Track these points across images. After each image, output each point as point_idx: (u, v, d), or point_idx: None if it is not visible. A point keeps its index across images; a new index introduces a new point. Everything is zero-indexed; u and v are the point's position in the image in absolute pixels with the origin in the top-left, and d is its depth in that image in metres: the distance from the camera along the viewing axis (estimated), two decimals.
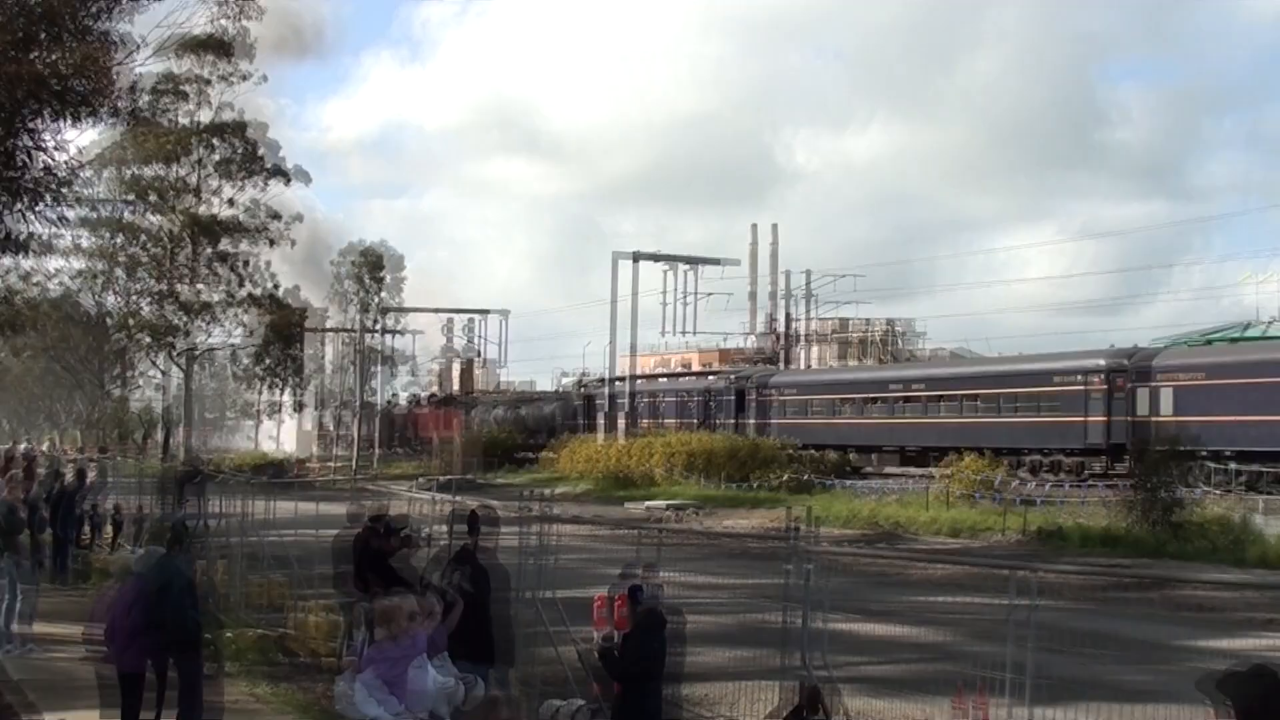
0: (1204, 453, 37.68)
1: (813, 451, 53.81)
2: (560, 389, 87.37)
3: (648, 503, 44.16)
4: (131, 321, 69.62)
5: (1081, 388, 45.97)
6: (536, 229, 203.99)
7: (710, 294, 67.81)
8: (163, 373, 72.49)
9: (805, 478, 48.15)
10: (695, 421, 64.78)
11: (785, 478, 47.73)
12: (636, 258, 63.96)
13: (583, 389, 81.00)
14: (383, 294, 78.58)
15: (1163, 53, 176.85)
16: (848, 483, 47.00)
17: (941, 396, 53.26)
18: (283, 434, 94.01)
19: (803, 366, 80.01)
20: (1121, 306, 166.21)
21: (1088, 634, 14.57)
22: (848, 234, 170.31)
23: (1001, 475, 40.33)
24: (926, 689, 13.09)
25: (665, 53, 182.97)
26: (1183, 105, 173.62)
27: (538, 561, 13.09)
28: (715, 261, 67.67)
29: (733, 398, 65.03)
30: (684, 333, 68.30)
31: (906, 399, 54.97)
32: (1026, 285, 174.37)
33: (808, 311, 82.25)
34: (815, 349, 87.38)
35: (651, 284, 66.12)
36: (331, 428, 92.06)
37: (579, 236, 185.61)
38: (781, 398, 62.58)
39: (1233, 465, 38.28)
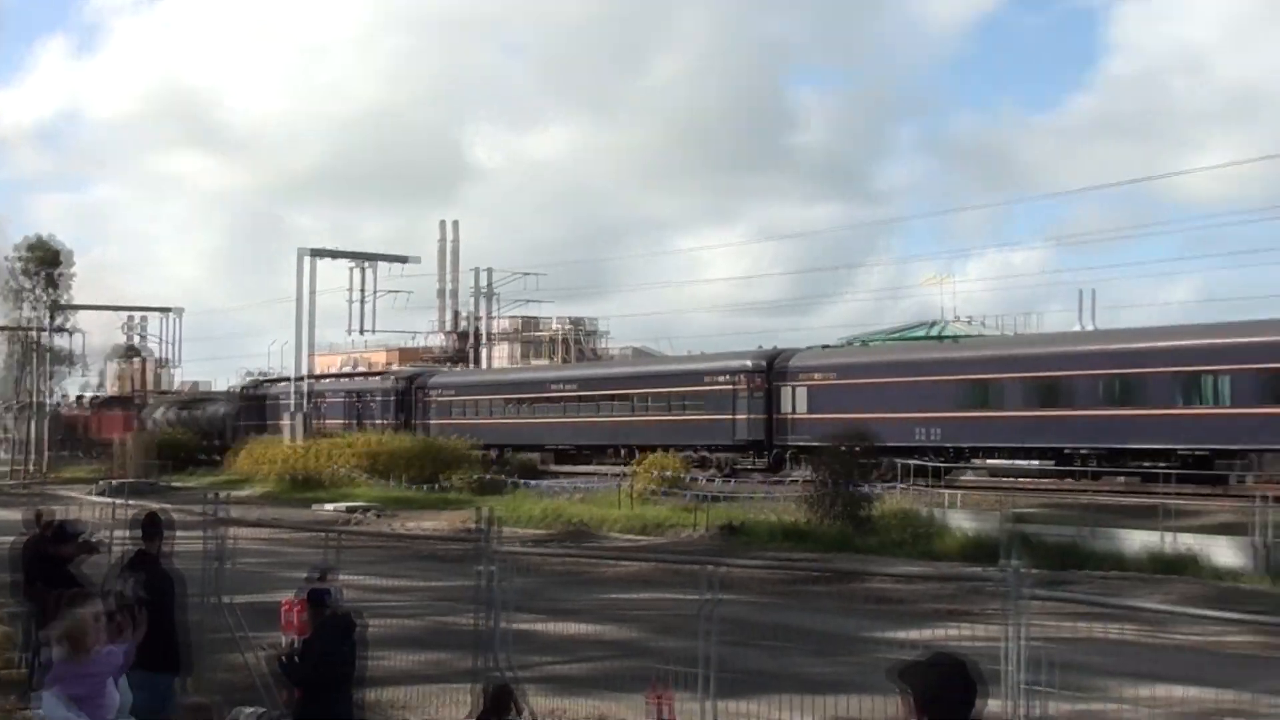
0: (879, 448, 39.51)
1: (493, 452, 54.38)
2: (232, 389, 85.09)
3: (329, 505, 43.33)
4: None
5: (730, 387, 48.81)
6: (216, 225, 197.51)
7: (395, 291, 67.98)
8: None
9: (491, 477, 48.18)
10: (354, 422, 64.89)
11: (473, 478, 47.69)
12: (315, 254, 63.14)
13: (255, 389, 79.34)
14: (55, 290, 74.17)
15: (846, 60, 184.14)
16: (536, 482, 47.20)
17: (594, 396, 55.45)
18: None
19: (485, 365, 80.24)
20: (806, 306, 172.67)
21: (775, 627, 14.97)
22: (534, 232, 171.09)
23: (682, 472, 41.48)
24: (615, 685, 13.14)
25: (347, 45, 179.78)
26: (865, 111, 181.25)
27: (219, 566, 12.62)
28: (399, 259, 67.30)
29: (394, 398, 65.83)
30: (368, 331, 67.70)
31: (558, 399, 57.02)
32: (712, 285, 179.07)
33: (489, 310, 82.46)
34: (502, 347, 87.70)
35: (339, 281, 65.35)
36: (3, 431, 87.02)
37: (261, 233, 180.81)
38: (440, 398, 63.76)
39: (900, 461, 40.30)
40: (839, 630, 17.97)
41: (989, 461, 43.03)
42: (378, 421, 63.89)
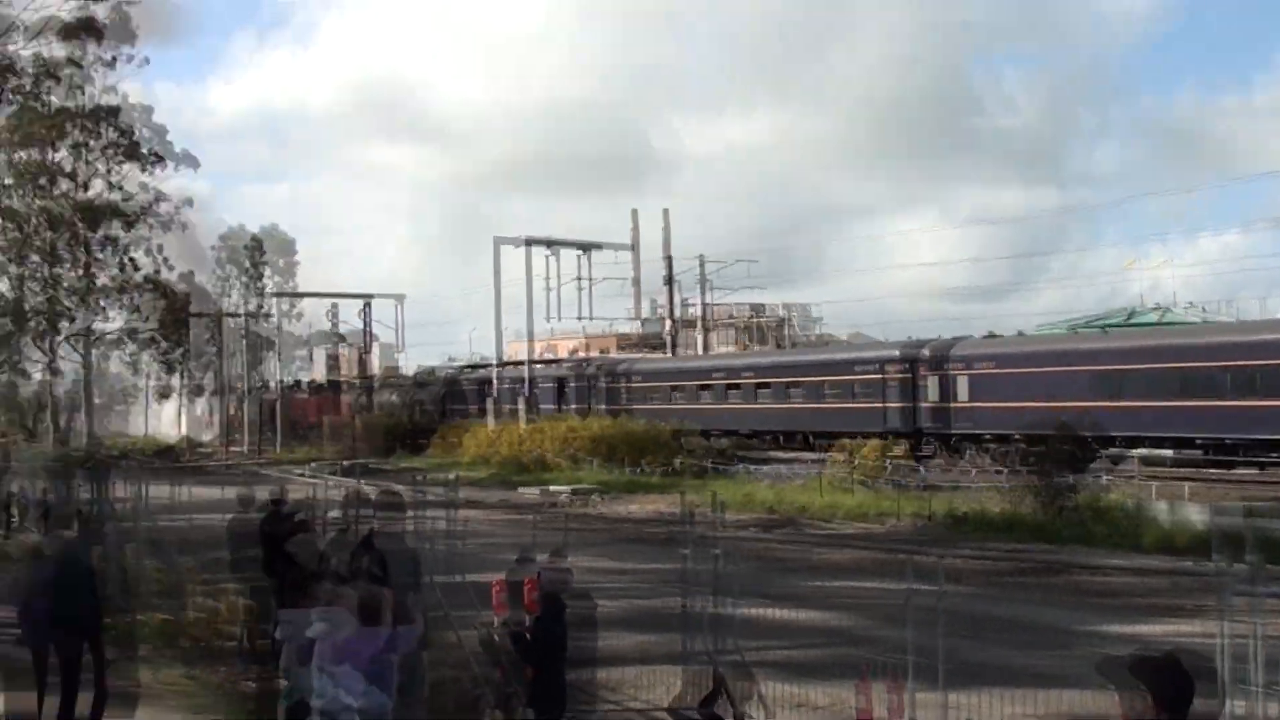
0: (1092, 438, 38.71)
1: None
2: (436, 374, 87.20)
3: (553, 487, 44.12)
4: (27, 306, 67.90)
5: (879, 376, 50.09)
6: (423, 214, 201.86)
7: (600, 279, 68.12)
8: (52, 357, 70.45)
9: (702, 463, 48.39)
10: (557, 407, 65.92)
11: (681, 463, 47.97)
12: (529, 243, 64.25)
13: (458, 374, 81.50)
14: (276, 278, 77.77)
15: (1041, 41, 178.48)
16: (744, 468, 47.35)
17: (756, 384, 57.04)
18: (177, 419, 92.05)
19: (697, 352, 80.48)
20: (1007, 292, 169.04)
21: (991, 619, 14.84)
22: (732, 220, 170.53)
23: (879, 459, 41.29)
24: (826, 673, 13.22)
25: (545, 37, 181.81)
26: (1061, 93, 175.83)
27: (447, 546, 13.05)
28: (599, 246, 67.95)
29: (584, 384, 66.95)
30: (569, 318, 68.80)
31: (728, 386, 58.55)
32: (914, 270, 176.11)
33: (702, 297, 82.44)
34: (713, 334, 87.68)
35: (539, 269, 66.41)
36: (230, 412, 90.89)
37: (464, 221, 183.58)
38: (625, 385, 64.72)
39: (1133, 452, 39.62)
40: (1048, 622, 17.70)
41: (1136, 451, 41.75)
42: (571, 407, 65.06)
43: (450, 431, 63.63)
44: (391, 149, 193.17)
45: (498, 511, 24.66)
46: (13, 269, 69.05)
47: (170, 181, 69.51)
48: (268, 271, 77.95)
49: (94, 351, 75.69)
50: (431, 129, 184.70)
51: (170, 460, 50.72)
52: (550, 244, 66.05)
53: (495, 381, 65.63)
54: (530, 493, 43.01)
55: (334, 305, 79.08)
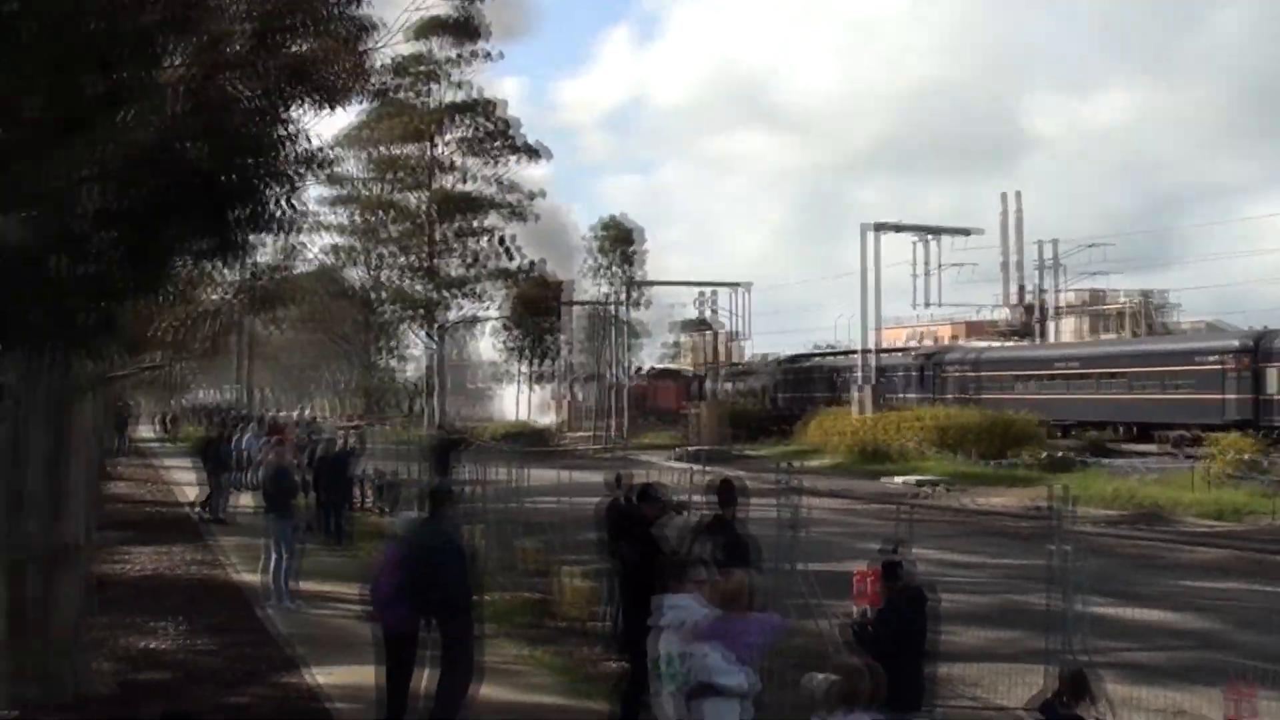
0: None
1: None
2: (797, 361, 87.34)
3: (898, 478, 43.81)
4: (402, 297, 72.05)
5: (1218, 367, 49.19)
6: (776, 201, 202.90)
7: (958, 265, 66.70)
8: (431, 343, 74.55)
9: (1063, 455, 47.03)
10: (897, 395, 65.69)
11: (1043, 455, 46.78)
12: (878, 228, 63.32)
13: (793, 362, 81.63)
14: (630, 267, 79.61)
15: None
16: (1108, 461, 45.94)
17: (1091, 374, 56.68)
18: (526, 403, 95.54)
19: (1051, 340, 78.09)
20: None
21: None
22: (1098, 201, 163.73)
23: (1259, 454, 39.16)
24: (1192, 677, 12.66)
25: (902, 18, 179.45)
26: None
27: (793, 534, 13.09)
28: (963, 231, 66.39)
29: (915, 374, 66.81)
30: (932, 304, 67.84)
31: (1068, 376, 58.13)
32: None
33: (1055, 283, 79.88)
34: (1068, 321, 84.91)
35: (897, 255, 65.76)
36: (580, 399, 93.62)
37: (819, 208, 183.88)
38: (954, 374, 64.32)
39: None
40: None
41: None
42: (900, 396, 64.72)
43: (810, 419, 63.69)
44: (746, 137, 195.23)
45: (845, 500, 24.55)
46: (400, 259, 73.14)
47: (521, 174, 72.13)
48: (633, 257, 79.86)
49: (449, 337, 79.52)
50: (787, 115, 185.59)
51: (532, 444, 52.90)
52: (901, 229, 65.15)
53: (862, 368, 64.74)
54: (891, 482, 42.83)
55: (702, 293, 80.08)
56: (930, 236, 65.37)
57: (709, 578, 9.07)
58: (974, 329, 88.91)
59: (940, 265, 65.62)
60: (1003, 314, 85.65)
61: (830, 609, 12.92)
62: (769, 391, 79.60)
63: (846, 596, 12.34)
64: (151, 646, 15.11)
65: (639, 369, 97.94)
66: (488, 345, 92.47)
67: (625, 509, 13.78)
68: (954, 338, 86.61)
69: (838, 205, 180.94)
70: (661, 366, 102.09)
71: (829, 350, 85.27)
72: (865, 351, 64.59)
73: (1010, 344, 73.20)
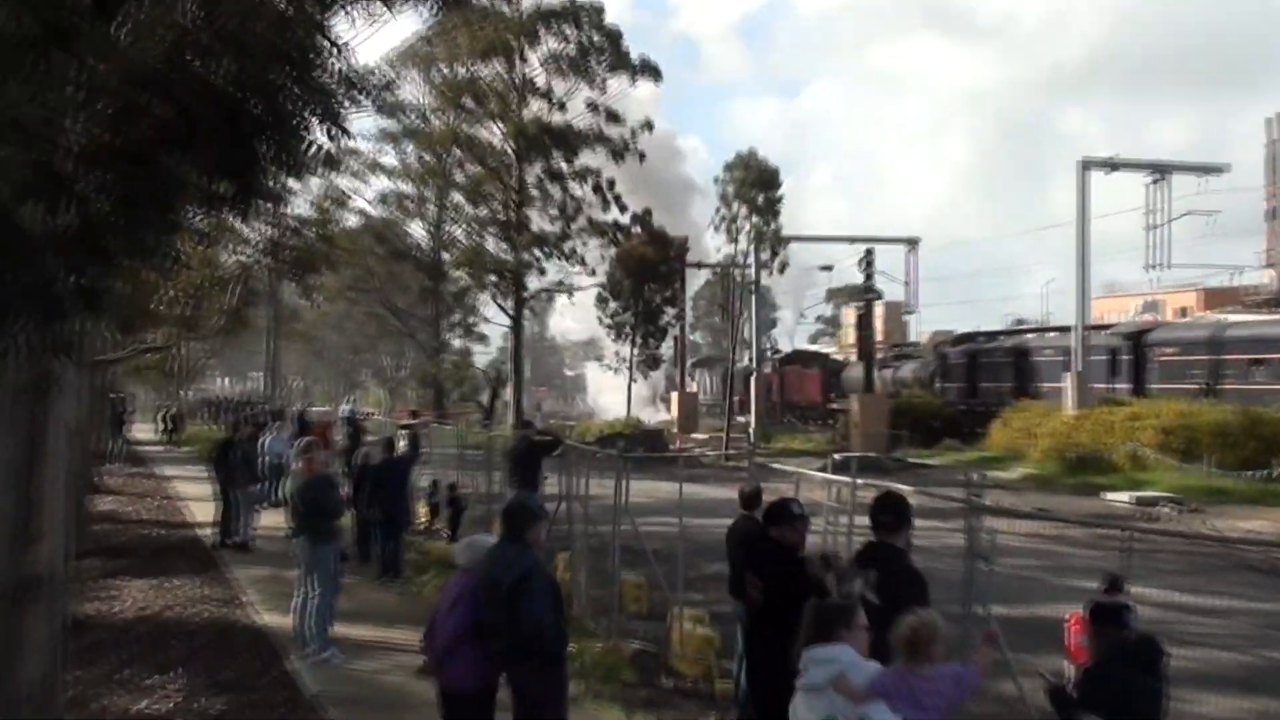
0: None
1: None
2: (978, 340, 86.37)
3: (1119, 494, 43.28)
4: (478, 257, 71.53)
5: None
6: (958, 132, 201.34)
7: (1211, 213, 64.74)
8: (513, 319, 73.44)
9: None
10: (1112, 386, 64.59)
11: None
12: (1088, 166, 61.87)
13: (959, 343, 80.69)
14: (753, 218, 77.08)
15: None
16: None
17: None
18: (627, 395, 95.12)
19: None
20: None
21: None
22: None
23: None
24: None
25: None
26: None
27: (982, 567, 12.91)
28: (1210, 169, 63.92)
29: (1110, 357, 65.55)
30: (1156, 267, 66.12)
31: None
32: None
33: None
34: None
35: (1122, 201, 64.15)
36: (704, 388, 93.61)
37: (1016, 141, 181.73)
38: (1169, 358, 62.90)
39: None
40: None
41: None
42: (1106, 385, 63.66)
43: (1000, 416, 62.89)
44: (921, 47, 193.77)
45: (1048, 524, 24.26)
46: (469, 210, 73.25)
47: (627, 100, 71.25)
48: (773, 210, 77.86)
49: (532, 312, 79.38)
50: (976, 19, 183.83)
51: (649, 448, 53.03)
52: (1150, 169, 63.51)
53: (1075, 349, 63.48)
54: (1117, 500, 42.33)
55: (870, 251, 78.43)
56: (1161, 177, 63.72)
57: (909, 621, 8.85)
58: (1218, 297, 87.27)
59: (1173, 215, 63.92)
60: (1266, 277, 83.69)
61: (1028, 665, 12.75)
62: (938, 379, 78.64)
63: (1049, 649, 12.20)
64: (145, 709, 15.09)
65: (773, 351, 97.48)
66: (582, 320, 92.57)
67: (760, 532, 13.65)
68: (1187, 310, 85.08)
69: (1042, 137, 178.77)
70: (797, 349, 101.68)
71: (1021, 327, 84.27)
72: (1078, 329, 62.87)
73: (1263, 317, 71.80)
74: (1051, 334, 69.24)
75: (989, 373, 74.21)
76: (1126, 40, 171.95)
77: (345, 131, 9.42)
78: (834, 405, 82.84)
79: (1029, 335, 76.94)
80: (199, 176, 9.48)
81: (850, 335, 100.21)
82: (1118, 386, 63.55)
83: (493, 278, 71.70)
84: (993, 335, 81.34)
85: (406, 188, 74.53)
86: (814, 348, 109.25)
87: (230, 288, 28.31)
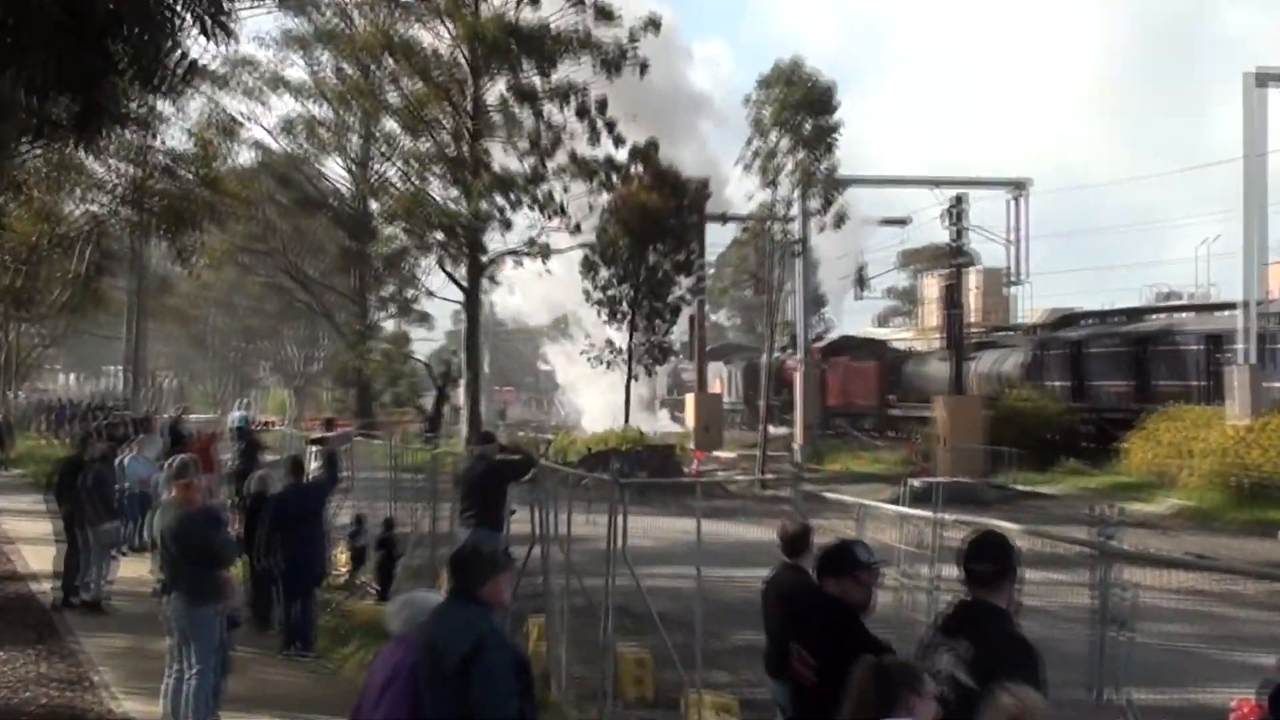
0: None
1: None
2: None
3: None
4: (420, 208, 70.07)
5: None
6: (1079, 34, 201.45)
7: None
8: (467, 291, 72.06)
9: None
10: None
11: None
12: (1260, 80, 61.00)
13: (1054, 328, 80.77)
14: (828, 154, 75.71)
15: None
16: None
17: None
18: (625, 397, 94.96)
19: None
20: None
21: None
22: None
23: None
24: None
25: None
26: None
27: (1104, 635, 12.93)
28: None
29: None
30: None
31: None
32: None
33: None
34: None
35: None
36: (732, 389, 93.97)
37: (1161, 46, 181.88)
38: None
39: None
40: None
41: None
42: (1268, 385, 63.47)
43: (1143, 427, 62.55)
44: None
45: (1206, 575, 24.26)
46: (406, 143, 72.34)
47: None
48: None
49: (494, 282, 78.52)
50: None
51: (667, 470, 53.43)
52: None
53: (1243, 335, 62.91)
54: None
55: (958, 199, 77.47)
56: None
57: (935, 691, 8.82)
58: None
59: None
60: None
61: None
62: (1047, 373, 77.65)
63: None
64: None
65: (819, 337, 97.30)
66: (562, 295, 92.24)
67: (811, 587, 13.62)
68: None
69: (1198, 42, 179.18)
70: (846, 335, 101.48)
71: (1160, 304, 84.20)
72: (1250, 305, 61.36)
73: None
74: (1186, 314, 68.85)
75: (1102, 366, 73.41)
76: None
77: (228, 32, 9.22)
78: (895, 410, 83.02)
79: (1159, 315, 76.54)
80: (28, 94, 9.16)
81: (933, 315, 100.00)
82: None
83: (439, 235, 70.57)
84: (1105, 315, 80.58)
85: (321, 111, 74.47)
86: (876, 333, 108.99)
87: (77, 249, 28.25)
